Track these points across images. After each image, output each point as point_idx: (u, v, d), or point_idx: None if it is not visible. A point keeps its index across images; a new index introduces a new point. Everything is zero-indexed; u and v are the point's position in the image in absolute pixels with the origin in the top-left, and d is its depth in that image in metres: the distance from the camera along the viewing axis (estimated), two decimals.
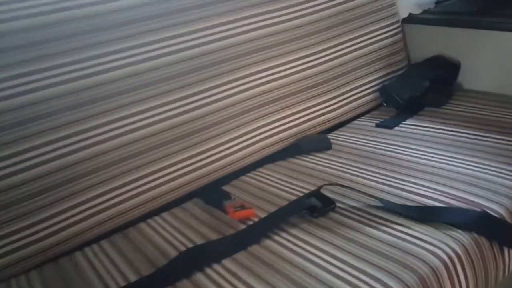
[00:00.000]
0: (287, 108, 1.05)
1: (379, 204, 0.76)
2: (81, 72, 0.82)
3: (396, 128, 1.05)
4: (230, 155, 0.97)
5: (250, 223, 0.78)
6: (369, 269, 0.63)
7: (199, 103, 0.93)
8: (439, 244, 0.65)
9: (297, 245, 0.70)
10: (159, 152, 0.88)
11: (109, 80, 0.84)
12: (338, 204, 0.78)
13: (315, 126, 1.09)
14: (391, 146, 0.96)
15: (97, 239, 0.83)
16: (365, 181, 0.84)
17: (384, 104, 1.18)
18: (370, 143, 1.00)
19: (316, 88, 1.09)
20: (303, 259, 0.67)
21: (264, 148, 1.02)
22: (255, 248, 0.71)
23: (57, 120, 0.79)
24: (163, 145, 0.89)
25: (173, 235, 0.79)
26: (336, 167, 0.92)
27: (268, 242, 0.72)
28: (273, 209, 0.81)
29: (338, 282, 0.62)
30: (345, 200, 0.79)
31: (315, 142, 1.03)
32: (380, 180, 0.84)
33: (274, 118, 1.03)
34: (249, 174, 0.98)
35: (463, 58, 1.16)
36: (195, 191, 0.93)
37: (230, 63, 0.98)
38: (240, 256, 0.70)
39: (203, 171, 0.94)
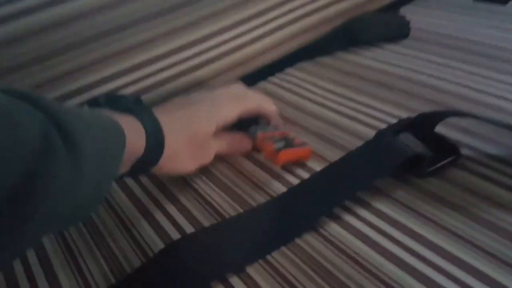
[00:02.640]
0: None
1: None
2: None
3: None
4: (239, 49, 0.58)
5: (292, 182, 0.42)
6: None
7: None
8: None
9: (388, 236, 0.34)
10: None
11: None
12: (463, 152, 0.41)
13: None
14: None
15: None
16: (501, 103, 0.47)
17: None
18: (479, 30, 0.60)
19: None
20: (398, 264, 0.32)
21: (295, 36, 0.62)
22: (308, 240, 0.36)
23: None
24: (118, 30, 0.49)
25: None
26: (429, 71, 0.54)
27: (333, 227, 0.36)
28: (326, 149, 0.44)
29: None
30: (476, 144, 0.42)
31: (381, 25, 0.62)
32: None
33: None
34: (274, 79, 0.59)
35: None
36: None
37: None
38: (279, 255, 0.35)
39: (198, 74, 0.55)
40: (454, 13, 0.65)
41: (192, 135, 0.39)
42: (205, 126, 0.40)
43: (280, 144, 0.42)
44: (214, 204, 0.40)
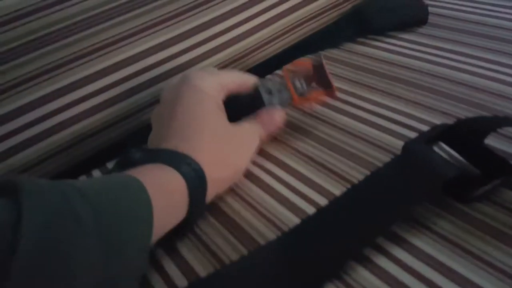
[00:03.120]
0: None
1: None
2: None
3: None
4: (231, 44, 0.49)
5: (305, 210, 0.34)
6: None
7: None
8: None
9: (430, 283, 0.27)
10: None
11: None
12: None
13: None
14: None
15: None
16: None
17: None
18: (507, 14, 0.52)
19: None
20: None
21: (295, 26, 0.54)
22: None
23: None
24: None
25: None
26: (457, 64, 0.45)
27: (359, 272, 0.28)
28: (342, 165, 0.36)
29: None
30: None
31: (395, 9, 0.54)
32: None
33: None
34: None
35: None
36: None
37: None
38: None
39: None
40: None
41: (217, 141, 0.34)
42: (211, 121, 0.35)
43: (305, 85, 0.40)
44: (212, 246, 0.32)
